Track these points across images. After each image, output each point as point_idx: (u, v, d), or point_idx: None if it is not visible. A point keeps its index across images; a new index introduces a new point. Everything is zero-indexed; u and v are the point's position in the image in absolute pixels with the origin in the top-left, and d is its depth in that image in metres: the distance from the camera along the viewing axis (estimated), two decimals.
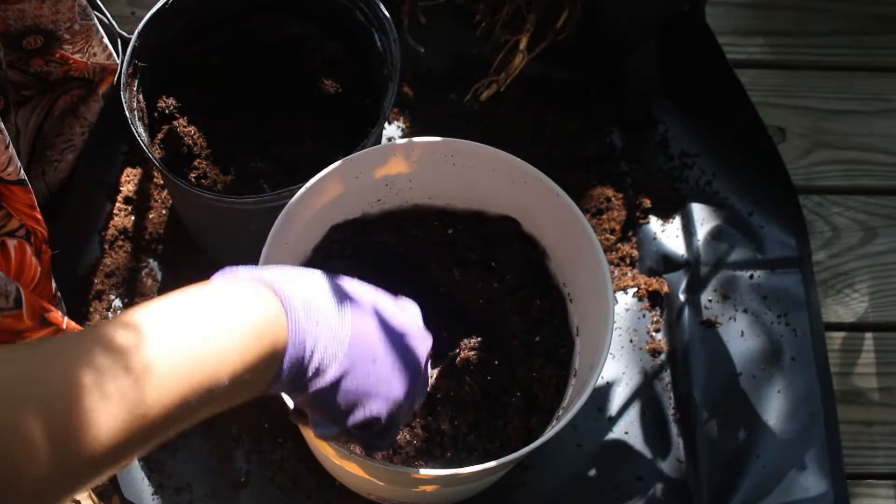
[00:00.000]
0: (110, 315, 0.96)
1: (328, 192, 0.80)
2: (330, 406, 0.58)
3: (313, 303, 0.56)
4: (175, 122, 0.89)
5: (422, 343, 0.63)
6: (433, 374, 0.81)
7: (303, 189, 0.77)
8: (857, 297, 1.01)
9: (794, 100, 1.11)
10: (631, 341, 0.97)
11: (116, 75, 0.95)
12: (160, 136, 0.89)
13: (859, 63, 1.14)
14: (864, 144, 1.09)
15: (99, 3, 0.95)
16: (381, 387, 0.59)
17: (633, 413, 0.94)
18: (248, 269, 0.57)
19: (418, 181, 0.84)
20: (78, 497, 0.81)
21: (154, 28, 0.88)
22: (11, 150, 0.70)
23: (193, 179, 0.87)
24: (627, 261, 1.01)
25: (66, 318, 0.75)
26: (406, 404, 0.61)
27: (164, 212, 1.01)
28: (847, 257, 1.03)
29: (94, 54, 0.91)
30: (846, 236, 1.04)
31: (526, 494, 0.90)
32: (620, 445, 0.92)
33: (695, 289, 0.98)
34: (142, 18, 0.87)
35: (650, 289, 0.99)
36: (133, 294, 0.97)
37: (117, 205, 1.01)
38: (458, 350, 0.82)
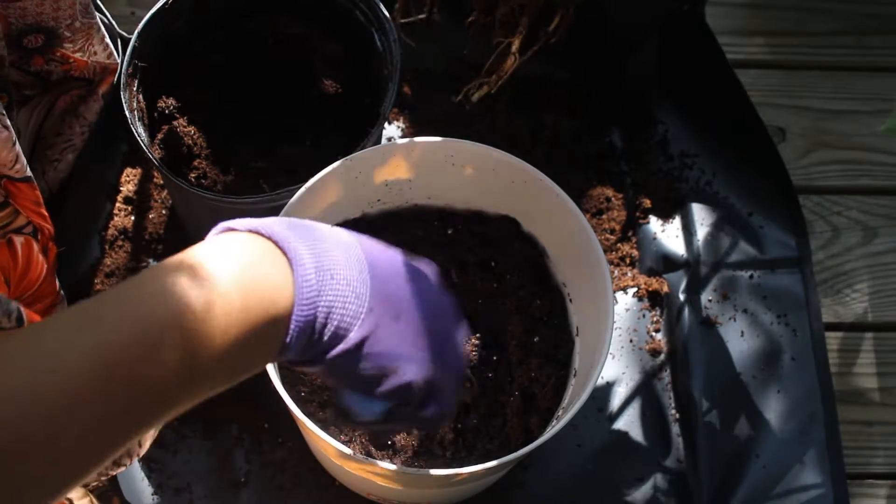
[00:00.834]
0: None
1: (328, 193, 0.80)
2: (353, 375, 0.51)
3: (327, 255, 0.49)
4: (175, 122, 0.89)
5: (447, 300, 0.56)
6: None
7: (303, 189, 0.77)
8: (856, 297, 1.01)
9: (794, 100, 1.11)
10: (631, 341, 0.97)
11: (116, 75, 0.95)
12: (160, 136, 0.89)
13: (859, 63, 1.14)
14: (864, 144, 1.09)
15: (99, 3, 0.95)
16: (409, 348, 0.52)
17: (633, 413, 0.94)
18: (246, 221, 0.50)
19: (418, 181, 0.84)
20: (76, 500, 0.81)
21: (154, 28, 0.88)
22: (17, 147, 0.70)
23: (193, 179, 0.87)
24: (627, 261, 1.01)
25: None
26: (445, 370, 0.54)
27: (164, 212, 1.01)
28: (847, 257, 1.03)
29: (95, 53, 0.91)
30: (846, 236, 1.04)
31: (526, 494, 0.90)
32: (620, 445, 0.92)
33: (695, 289, 0.98)
34: (142, 18, 0.87)
35: (650, 289, 0.99)
36: None
37: (117, 205, 1.01)
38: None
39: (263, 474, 0.89)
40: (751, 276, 0.99)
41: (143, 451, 0.77)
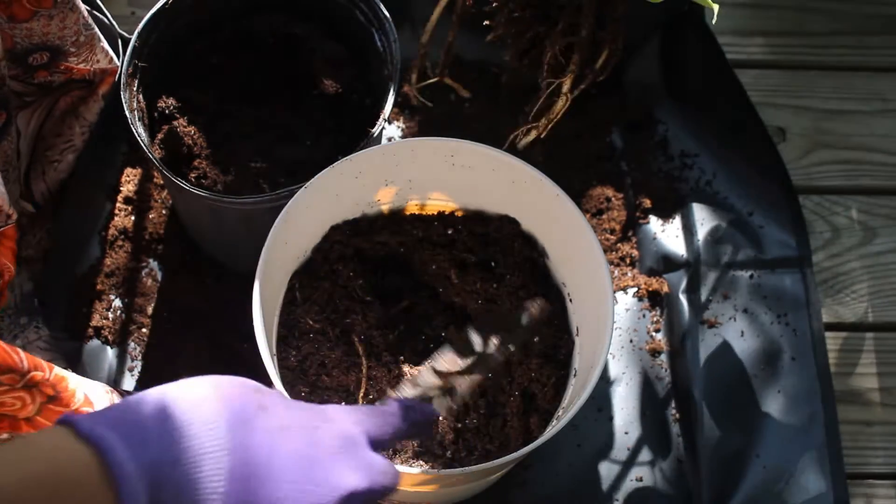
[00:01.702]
0: (110, 315, 0.96)
1: (328, 193, 0.80)
2: None
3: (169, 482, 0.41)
4: (175, 122, 0.89)
5: (340, 466, 0.48)
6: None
7: (303, 189, 0.77)
8: (857, 298, 1.01)
9: (794, 100, 1.11)
10: (631, 341, 0.97)
11: (116, 75, 0.95)
12: (160, 136, 0.89)
13: (859, 63, 1.14)
14: (864, 144, 1.09)
15: (99, 3, 0.95)
16: None
17: (633, 413, 0.94)
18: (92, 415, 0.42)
19: (418, 181, 0.84)
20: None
21: (154, 28, 0.88)
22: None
23: (193, 179, 0.87)
24: (627, 261, 1.01)
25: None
26: None
27: (164, 212, 1.01)
28: (847, 257, 1.03)
29: (98, 61, 0.91)
30: (846, 236, 1.04)
31: (526, 494, 0.90)
32: (620, 445, 0.92)
33: (695, 289, 0.98)
34: (142, 18, 0.87)
35: (650, 289, 0.99)
36: (133, 294, 0.97)
37: (117, 205, 1.01)
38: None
39: None
40: (751, 276, 0.99)
41: None
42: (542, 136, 0.83)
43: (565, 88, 0.81)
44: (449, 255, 0.86)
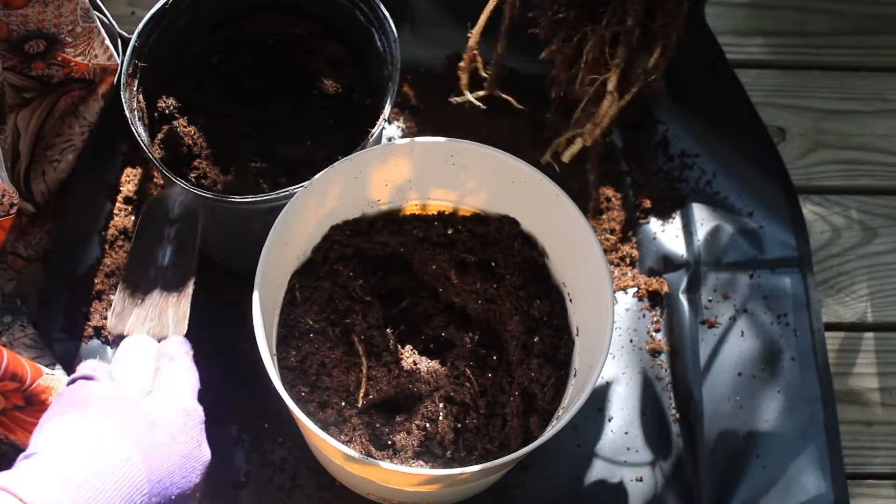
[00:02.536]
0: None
1: (328, 193, 0.80)
2: None
3: None
4: (175, 122, 0.89)
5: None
6: (427, 366, 0.81)
7: (303, 189, 0.77)
8: (857, 297, 1.01)
9: (794, 100, 1.11)
10: (631, 341, 0.97)
11: (116, 75, 0.95)
12: (160, 136, 0.89)
13: (859, 63, 1.14)
14: (864, 144, 1.09)
15: (99, 3, 0.95)
16: None
17: (633, 413, 0.94)
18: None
19: (418, 181, 0.84)
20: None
21: (154, 28, 0.88)
22: None
23: (193, 179, 0.87)
24: (627, 261, 1.01)
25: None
26: None
27: None
28: (847, 257, 1.03)
29: (96, 56, 0.91)
30: (846, 236, 1.04)
31: (526, 495, 0.90)
32: (620, 445, 0.92)
33: (695, 289, 0.98)
34: (142, 18, 0.87)
35: (650, 289, 0.99)
36: None
37: (117, 205, 1.01)
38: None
39: (263, 474, 0.89)
40: (751, 276, 0.99)
41: None
42: (588, 144, 0.74)
43: (610, 86, 0.72)
44: (449, 255, 0.86)
